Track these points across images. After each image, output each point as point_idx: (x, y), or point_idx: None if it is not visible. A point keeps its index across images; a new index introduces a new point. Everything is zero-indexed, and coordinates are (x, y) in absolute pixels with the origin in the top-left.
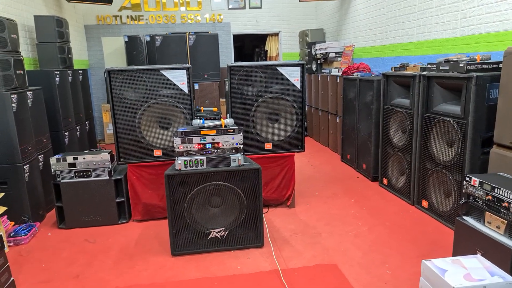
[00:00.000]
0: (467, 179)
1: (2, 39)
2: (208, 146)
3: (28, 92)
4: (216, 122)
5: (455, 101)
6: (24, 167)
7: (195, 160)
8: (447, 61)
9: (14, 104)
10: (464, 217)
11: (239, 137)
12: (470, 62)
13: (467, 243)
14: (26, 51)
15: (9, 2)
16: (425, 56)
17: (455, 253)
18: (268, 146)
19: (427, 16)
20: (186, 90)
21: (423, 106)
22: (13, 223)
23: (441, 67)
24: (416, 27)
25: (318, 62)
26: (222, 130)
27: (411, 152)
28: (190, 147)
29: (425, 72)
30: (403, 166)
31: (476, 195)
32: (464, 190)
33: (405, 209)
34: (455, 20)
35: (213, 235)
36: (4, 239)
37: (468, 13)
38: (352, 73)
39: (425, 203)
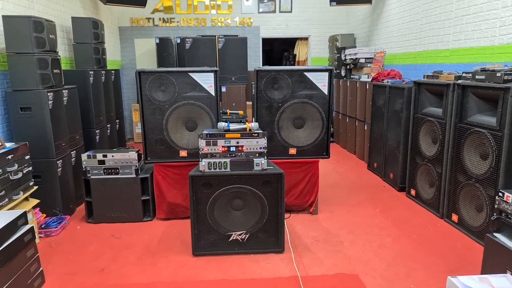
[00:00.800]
0: (500, 194)
1: (41, 39)
2: (232, 149)
3: (64, 91)
4: (241, 126)
5: (491, 112)
6: (58, 162)
7: (219, 162)
8: (483, 70)
9: (50, 102)
10: (495, 234)
11: (263, 141)
12: (508, 72)
13: (497, 261)
14: (63, 51)
15: (48, 3)
16: (461, 64)
17: (484, 271)
18: (292, 151)
19: (463, 23)
20: (213, 92)
21: (456, 116)
22: (44, 215)
23: (477, 76)
24: (452, 34)
25: (348, 67)
26: (247, 134)
27: (441, 163)
28: (215, 149)
29: (460, 81)
30: (433, 177)
31: (509, 212)
32: (496, 206)
33: (433, 222)
34: (493, 28)
35: (234, 238)
36: (36, 230)
37: (508, 21)
38: (382, 79)
39: (455, 217)
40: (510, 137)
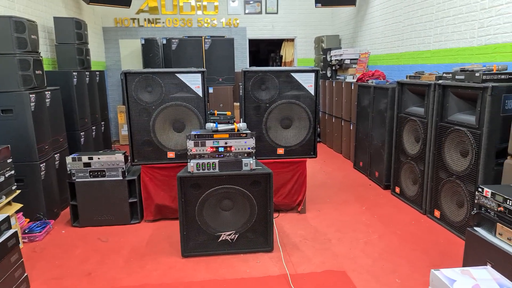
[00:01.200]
0: (479, 189)
1: (22, 39)
2: (221, 149)
3: (46, 92)
4: (229, 126)
5: (470, 111)
6: (41, 165)
7: (208, 163)
8: (463, 70)
9: (32, 104)
10: (475, 228)
11: (251, 142)
12: (486, 72)
13: (477, 254)
14: (45, 51)
15: (29, 3)
16: (441, 65)
17: (465, 264)
18: (280, 151)
19: (444, 25)
20: (200, 93)
21: (437, 115)
22: (28, 220)
23: (456, 77)
24: (433, 35)
25: (333, 68)
26: (235, 134)
27: (424, 161)
28: (203, 150)
29: (440, 81)
30: (416, 175)
31: (488, 206)
32: (476, 201)
33: (417, 218)
34: (472, 30)
35: (223, 238)
36: (19, 235)
37: (486, 22)
38: (367, 80)
39: (437, 213)
40: (489, 135)
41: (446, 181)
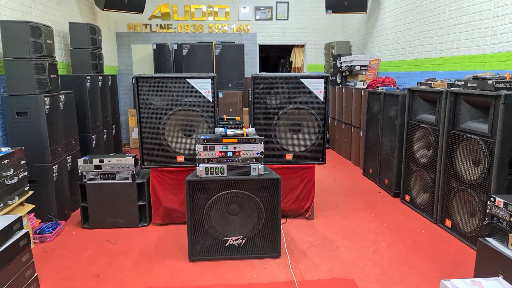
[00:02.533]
0: (492, 199)
1: (38, 44)
2: (229, 154)
3: (60, 96)
4: (238, 131)
5: (483, 119)
6: (53, 167)
7: (216, 167)
8: (475, 78)
9: (46, 107)
10: (487, 238)
11: (260, 147)
12: (499, 80)
13: (489, 265)
14: (60, 56)
15: (46, 9)
16: (453, 72)
17: (476, 275)
18: (288, 156)
19: (456, 32)
20: (210, 98)
21: (449, 123)
22: (39, 220)
23: (469, 84)
24: (445, 42)
25: (343, 74)
26: (244, 139)
27: (435, 169)
28: (212, 155)
29: (452, 89)
30: (427, 183)
31: (500, 216)
32: (488, 211)
33: (427, 227)
34: (485, 37)
35: (231, 243)
36: (31, 235)
37: (499, 30)
38: (377, 86)
39: (448, 222)
40: (502, 144)
41: (457, 190)
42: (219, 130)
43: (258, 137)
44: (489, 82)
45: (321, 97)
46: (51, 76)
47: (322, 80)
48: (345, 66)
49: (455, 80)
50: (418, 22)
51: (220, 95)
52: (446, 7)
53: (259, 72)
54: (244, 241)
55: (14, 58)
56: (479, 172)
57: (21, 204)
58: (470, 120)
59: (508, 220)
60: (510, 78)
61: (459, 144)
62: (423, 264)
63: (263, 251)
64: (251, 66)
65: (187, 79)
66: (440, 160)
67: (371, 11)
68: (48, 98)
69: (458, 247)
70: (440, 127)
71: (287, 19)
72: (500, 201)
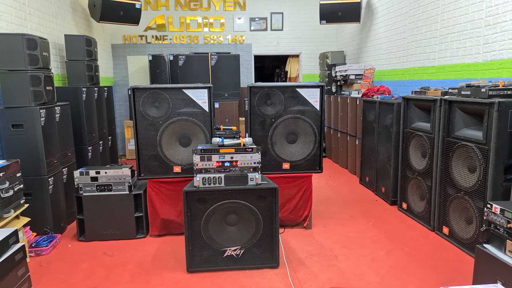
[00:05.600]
0: (488, 206)
1: (34, 56)
2: (227, 164)
3: (56, 108)
4: (235, 141)
5: (477, 126)
6: (49, 179)
7: (213, 177)
8: (468, 86)
9: (42, 119)
10: (484, 245)
11: (257, 156)
12: (492, 87)
13: (487, 271)
14: (56, 68)
15: (41, 21)
16: (447, 81)
17: (475, 282)
18: (286, 166)
19: (448, 41)
20: (206, 109)
21: (444, 131)
22: (35, 233)
23: (462, 92)
24: (438, 51)
25: (338, 84)
26: (241, 149)
27: (431, 177)
28: (209, 165)
29: (446, 97)
30: (423, 190)
31: (497, 223)
32: (485, 217)
33: (425, 234)
34: (477, 46)
35: (229, 253)
36: (26, 249)
37: (491, 38)
38: (372, 95)
39: (445, 230)
40: (496, 150)
41: (454, 197)
42: (216, 140)
43: (255, 146)
44: (483, 89)
45: (317, 106)
46: (47, 88)
47: (318, 90)
48: (340, 75)
49: (449, 88)
50: (411, 32)
51: (216, 105)
52: (439, 17)
53: (255, 82)
54: (242, 251)
55: (10, 71)
56: (475, 179)
57: (17, 217)
58: (465, 128)
59: (505, 226)
60: (503, 86)
61: (455, 152)
62: (422, 271)
63: (262, 261)
64: (247, 76)
65: (183, 90)
66: (436, 167)
67: (364, 21)
68: (44, 110)
69: (456, 254)
70: (435, 134)
71: (282, 30)
72: (496, 207)
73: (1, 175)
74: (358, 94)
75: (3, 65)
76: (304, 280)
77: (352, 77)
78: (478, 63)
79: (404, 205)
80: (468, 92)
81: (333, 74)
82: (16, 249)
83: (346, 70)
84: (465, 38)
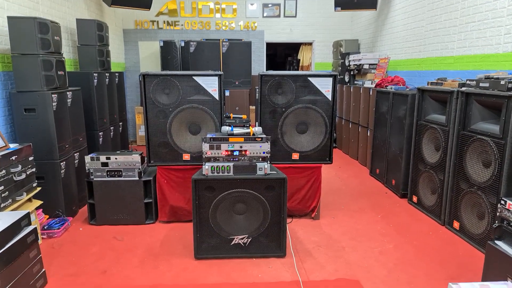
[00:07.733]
0: (502, 202)
1: (46, 40)
2: (236, 153)
3: (68, 92)
4: (245, 130)
5: (494, 120)
6: (61, 163)
7: (222, 166)
8: (487, 78)
9: (54, 103)
10: (496, 242)
11: (266, 146)
12: (511, 80)
13: (498, 268)
14: (68, 52)
15: (53, 5)
16: (465, 72)
17: (485, 278)
18: (295, 156)
19: (468, 30)
20: (217, 96)
21: (459, 124)
22: (47, 216)
23: (480, 84)
24: (457, 41)
25: (351, 73)
26: (250, 138)
27: (444, 171)
28: (218, 153)
29: (463, 88)
30: (435, 184)
31: (511, 220)
32: (498, 214)
33: (435, 229)
34: (498, 36)
35: (236, 242)
36: (39, 231)
37: None
38: (386, 86)
39: (456, 224)
40: None
41: (466, 191)
42: (226, 128)
43: (264, 136)
44: (502, 82)
45: (329, 96)
46: (59, 72)
47: (330, 79)
48: (354, 64)
49: (467, 80)
50: (429, 20)
51: (227, 93)
52: (459, 5)
53: (266, 70)
54: (249, 240)
55: (22, 55)
56: (489, 174)
57: (29, 200)
58: (481, 121)
59: None
60: None
61: (470, 145)
62: (430, 266)
63: (269, 251)
64: (258, 64)
65: (194, 77)
66: (450, 161)
67: (381, 9)
68: (56, 95)
69: (466, 249)
70: (450, 127)
71: (295, 17)
72: (511, 204)
73: (13, 159)
74: (371, 84)
75: (15, 48)
76: (310, 271)
77: (366, 66)
78: (498, 54)
79: (415, 199)
80: (487, 84)
81: (347, 63)
82: (28, 231)
83: (360, 59)
84: (486, 27)
